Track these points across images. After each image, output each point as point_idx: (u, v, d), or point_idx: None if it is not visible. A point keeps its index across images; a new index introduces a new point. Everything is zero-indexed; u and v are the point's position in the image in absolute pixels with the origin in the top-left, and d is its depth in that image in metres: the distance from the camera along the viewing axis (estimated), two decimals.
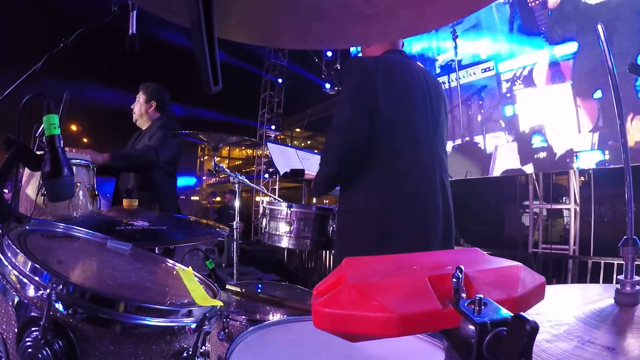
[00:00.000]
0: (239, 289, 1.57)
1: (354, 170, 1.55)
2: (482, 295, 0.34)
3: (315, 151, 3.22)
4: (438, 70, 5.49)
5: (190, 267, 1.02)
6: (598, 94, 3.92)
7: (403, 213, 1.50)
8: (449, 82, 5.38)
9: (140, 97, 2.73)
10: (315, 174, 1.77)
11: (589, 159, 3.99)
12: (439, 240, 1.56)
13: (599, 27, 0.75)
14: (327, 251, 4.19)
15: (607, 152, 3.87)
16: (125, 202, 1.37)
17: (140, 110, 2.72)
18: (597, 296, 0.65)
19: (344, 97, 1.57)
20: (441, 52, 5.53)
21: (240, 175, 2.35)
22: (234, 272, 2.33)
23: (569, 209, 4.68)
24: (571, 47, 4.14)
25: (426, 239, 1.52)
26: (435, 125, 1.63)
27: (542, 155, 4.39)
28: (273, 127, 10.26)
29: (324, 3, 0.45)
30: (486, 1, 0.46)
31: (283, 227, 1.94)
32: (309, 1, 0.45)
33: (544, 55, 4.34)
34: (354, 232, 1.56)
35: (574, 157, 4.09)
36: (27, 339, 0.65)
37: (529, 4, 4.48)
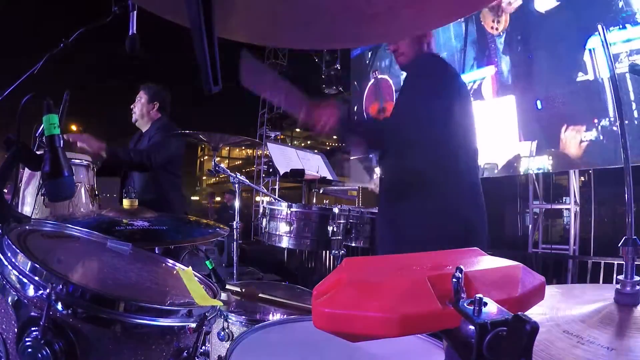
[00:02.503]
0: (239, 289, 1.57)
1: (435, 169, 1.55)
2: (482, 295, 0.34)
3: (315, 151, 3.22)
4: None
5: (190, 267, 1.02)
6: (538, 105, 4.27)
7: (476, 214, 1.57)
8: None
9: (142, 97, 2.69)
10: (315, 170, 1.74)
11: (533, 164, 4.36)
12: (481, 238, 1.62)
13: (599, 27, 0.75)
14: (327, 251, 4.19)
15: (550, 157, 4.19)
16: (125, 202, 1.37)
17: (142, 110, 2.68)
18: (597, 296, 0.65)
19: (426, 90, 1.53)
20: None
21: (240, 175, 2.35)
22: (234, 272, 2.33)
23: (569, 209, 4.67)
24: (514, 61, 4.52)
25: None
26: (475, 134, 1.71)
27: (491, 162, 4.74)
28: (273, 127, 10.25)
29: (325, 3, 0.45)
30: (483, 3, 0.46)
31: (283, 227, 1.94)
32: (310, 1, 0.45)
33: (492, 70, 4.74)
34: (430, 229, 1.53)
35: (521, 162, 4.44)
36: (26, 339, 0.65)
37: (481, 22, 4.83)
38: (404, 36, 1.47)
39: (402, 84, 1.80)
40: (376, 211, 1.92)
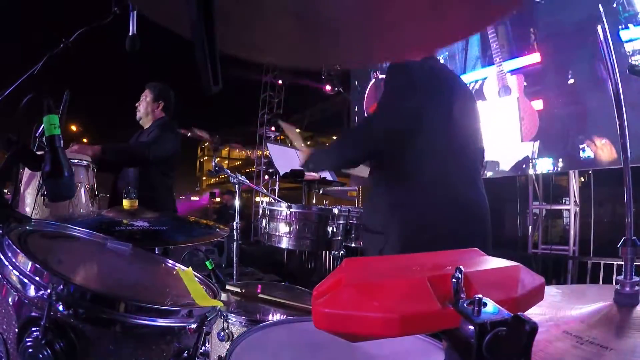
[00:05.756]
0: (239, 289, 1.57)
1: (401, 170, 1.55)
2: (481, 296, 0.35)
3: None
4: None
5: (190, 267, 1.02)
6: (539, 105, 4.30)
7: (446, 210, 1.53)
8: None
9: (147, 96, 2.70)
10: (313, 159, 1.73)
11: (536, 165, 4.37)
12: (483, 237, 1.66)
13: (599, 27, 0.75)
14: (327, 251, 4.19)
15: (560, 159, 4.19)
16: (125, 202, 1.37)
17: (147, 109, 2.69)
18: (596, 297, 0.65)
19: (388, 100, 1.57)
20: None
21: (241, 176, 2.35)
22: (234, 272, 2.33)
23: (568, 210, 4.67)
24: (517, 62, 4.53)
25: (468, 233, 1.60)
26: (478, 134, 1.71)
27: (492, 159, 4.73)
28: (273, 127, 10.26)
29: (326, 21, 0.44)
30: (493, 19, 0.44)
31: (283, 228, 1.94)
32: (313, 19, 0.44)
33: (494, 70, 4.75)
34: (399, 224, 1.52)
35: (530, 163, 4.43)
36: (27, 339, 0.65)
37: None
38: (413, 53, 1.44)
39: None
40: None
